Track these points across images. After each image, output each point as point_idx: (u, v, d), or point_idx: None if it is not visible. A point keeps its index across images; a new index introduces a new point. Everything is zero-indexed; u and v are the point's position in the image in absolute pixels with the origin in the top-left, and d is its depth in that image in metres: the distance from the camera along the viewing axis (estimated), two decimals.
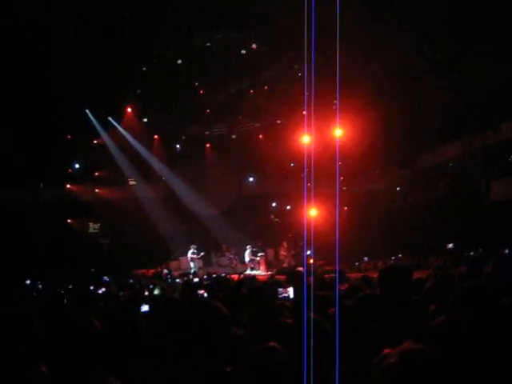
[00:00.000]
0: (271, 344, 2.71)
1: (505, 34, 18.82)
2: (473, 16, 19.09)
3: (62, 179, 26.43)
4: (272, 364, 2.58)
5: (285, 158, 25.75)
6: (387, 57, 22.20)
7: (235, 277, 17.80)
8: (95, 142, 27.07)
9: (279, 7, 18.98)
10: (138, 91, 25.78)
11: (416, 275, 5.37)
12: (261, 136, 28.68)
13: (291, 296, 6.58)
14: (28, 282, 18.19)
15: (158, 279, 20.00)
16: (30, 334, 3.62)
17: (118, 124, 26.78)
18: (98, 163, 27.41)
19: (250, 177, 29.71)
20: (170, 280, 20.22)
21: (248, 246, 24.39)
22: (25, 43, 19.27)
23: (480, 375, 2.90)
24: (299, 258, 23.75)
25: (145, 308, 6.51)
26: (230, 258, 25.33)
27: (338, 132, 20.53)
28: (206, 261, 25.41)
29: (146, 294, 11.23)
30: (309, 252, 16.79)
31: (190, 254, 23.92)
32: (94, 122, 26.14)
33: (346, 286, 6.21)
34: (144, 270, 22.99)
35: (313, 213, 19.16)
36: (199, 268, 23.67)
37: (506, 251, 14.47)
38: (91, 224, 27.23)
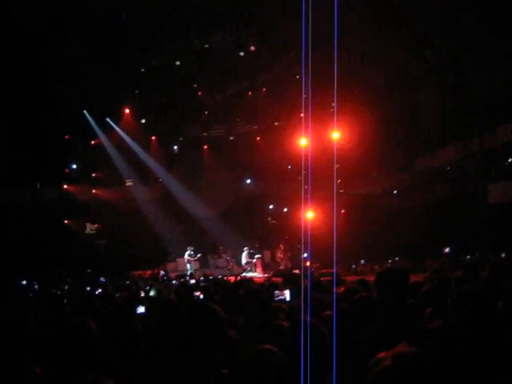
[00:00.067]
0: (267, 346, 2.71)
1: (503, 38, 18.86)
2: (470, 19, 19.14)
3: (59, 179, 26.39)
4: (268, 366, 2.58)
5: (282, 160, 25.74)
6: (385, 59, 22.24)
7: (232, 279, 17.79)
8: (93, 142, 27.05)
9: (277, 9, 19.01)
10: (136, 92, 25.77)
11: (413, 278, 5.37)
12: (258, 138, 28.68)
13: (288, 298, 6.57)
14: (24, 282, 18.15)
15: (155, 281, 19.97)
16: (26, 335, 3.62)
17: (116, 125, 26.76)
18: (96, 164, 27.39)
19: (248, 179, 29.70)
20: (166, 281, 20.20)
21: (245, 248, 24.38)
22: (23, 44, 19.25)
23: (476, 378, 2.90)
24: (296, 261, 23.73)
25: (141, 309, 6.50)
26: (227, 260, 25.30)
27: (336, 135, 20.54)
28: (202, 262, 25.37)
29: (143, 295, 11.22)
30: (305, 255, 16.80)
31: (186, 256, 23.89)
32: (92, 122, 26.12)
33: (343, 288, 6.21)
34: (141, 272, 22.96)
35: (310, 215, 19.15)
36: (196, 270, 23.64)
37: (503, 255, 14.50)
38: (88, 225, 27.19)
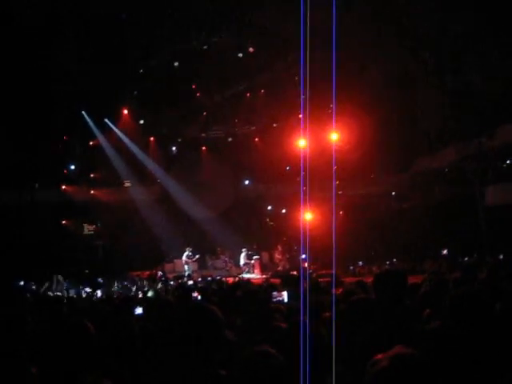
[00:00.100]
0: (265, 348, 2.71)
1: (503, 38, 18.89)
2: (470, 20, 19.16)
3: (58, 180, 26.32)
4: (266, 368, 2.58)
5: (281, 161, 25.76)
6: (384, 61, 22.25)
7: (230, 280, 17.81)
8: (91, 143, 26.99)
9: (276, 11, 19.02)
10: (135, 93, 25.76)
11: (411, 280, 5.37)
12: (257, 139, 28.68)
13: (286, 300, 6.58)
14: (22, 283, 18.13)
15: (153, 282, 19.96)
16: (23, 335, 3.61)
17: (114, 126, 26.72)
18: (94, 165, 27.33)
19: (246, 180, 29.70)
20: (162, 283, 20.19)
21: (243, 249, 24.38)
22: (22, 44, 19.24)
23: (474, 379, 2.90)
24: (294, 262, 23.74)
25: (139, 310, 6.49)
26: (225, 261, 25.30)
27: (334, 136, 20.56)
28: (200, 263, 25.36)
29: (141, 296, 11.21)
30: (304, 256, 16.81)
31: (184, 257, 23.88)
32: (90, 123, 26.07)
33: (341, 290, 6.22)
34: (139, 272, 22.94)
35: (308, 217, 19.17)
36: (194, 271, 23.63)
37: (501, 257, 14.51)
38: (86, 225, 27.14)
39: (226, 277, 20.67)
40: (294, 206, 23.79)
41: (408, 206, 26.31)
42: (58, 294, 16.61)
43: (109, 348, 3.74)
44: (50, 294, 16.55)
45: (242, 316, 5.21)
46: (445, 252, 20.77)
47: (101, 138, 26.64)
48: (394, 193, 28.00)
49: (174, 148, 29.57)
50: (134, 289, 17.75)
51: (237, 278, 19.89)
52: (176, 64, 24.04)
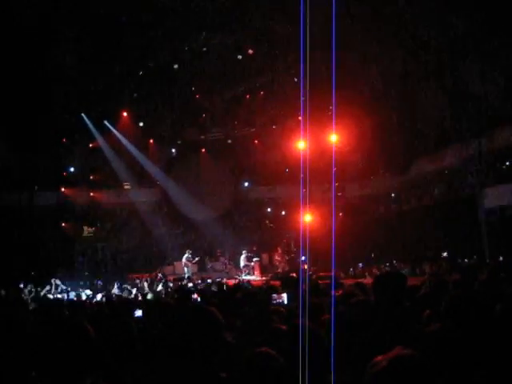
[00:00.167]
0: (266, 349, 2.70)
1: (500, 41, 18.90)
2: (469, 21, 19.18)
3: (57, 183, 26.33)
4: (266, 370, 2.57)
5: (280, 163, 25.76)
6: (384, 62, 22.27)
7: (230, 282, 17.79)
8: (91, 145, 27.01)
9: (276, 12, 19.04)
10: (135, 95, 25.77)
11: (411, 282, 5.37)
12: (256, 141, 28.69)
13: (285, 302, 6.56)
14: (22, 285, 18.11)
15: (153, 284, 19.95)
16: (23, 338, 3.60)
17: (114, 128, 26.74)
18: (94, 167, 27.34)
19: (246, 182, 29.70)
20: (162, 285, 20.18)
21: (244, 251, 24.37)
22: (21, 46, 19.24)
23: (474, 380, 2.90)
24: (293, 264, 23.72)
25: (138, 313, 6.48)
26: (225, 263, 25.29)
27: (334, 138, 20.55)
28: (200, 266, 25.34)
29: (140, 298, 11.20)
30: (303, 258, 16.79)
31: (184, 259, 23.86)
32: (90, 125, 26.09)
33: (341, 292, 6.21)
34: (138, 275, 22.92)
35: (308, 218, 19.16)
36: (193, 273, 23.61)
37: (501, 258, 14.52)
38: (86, 228, 27.13)
39: (226, 279, 20.66)
40: (293, 208, 23.79)
41: (408, 208, 26.30)
42: (58, 296, 16.61)
43: (108, 350, 3.73)
44: (50, 296, 16.55)
45: (241, 318, 5.20)
46: (445, 254, 20.75)
47: (100, 141, 26.65)
48: (393, 194, 27.99)
49: (173, 150, 29.58)
50: (133, 291, 17.73)
51: (237, 280, 19.87)
52: (175, 66, 24.07)
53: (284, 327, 3.62)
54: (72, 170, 27.45)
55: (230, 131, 28.79)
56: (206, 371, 2.92)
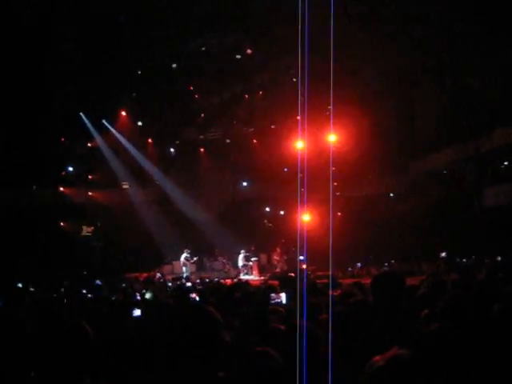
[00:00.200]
0: (264, 348, 2.71)
1: (499, 42, 18.92)
2: (468, 22, 19.20)
3: (56, 182, 26.33)
4: (265, 369, 2.57)
5: (279, 162, 25.75)
6: (382, 62, 22.28)
7: (228, 281, 17.79)
8: (89, 144, 27.00)
9: (274, 12, 19.03)
10: (133, 95, 25.76)
11: (409, 282, 5.37)
12: (255, 141, 28.70)
13: (284, 302, 6.57)
14: (20, 285, 18.07)
15: (151, 283, 19.93)
16: (21, 338, 3.60)
17: (113, 127, 26.73)
18: (92, 166, 27.33)
19: (244, 181, 29.70)
20: (160, 285, 20.16)
21: (242, 251, 24.36)
22: (20, 46, 19.22)
23: (472, 380, 2.90)
24: (292, 263, 23.72)
25: (137, 312, 6.48)
26: (223, 263, 25.28)
27: (332, 137, 20.55)
28: (199, 265, 25.34)
29: (138, 298, 11.19)
30: (302, 257, 16.79)
31: (182, 259, 23.85)
32: (89, 124, 26.07)
33: (339, 291, 6.22)
34: (137, 274, 22.89)
35: (306, 218, 19.17)
36: (192, 272, 23.60)
37: (499, 258, 14.53)
38: (84, 227, 27.10)
39: (224, 278, 20.66)
40: (292, 208, 23.79)
41: (406, 208, 26.31)
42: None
43: (107, 350, 3.73)
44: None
45: (239, 317, 5.21)
46: (443, 254, 20.76)
47: (99, 140, 26.64)
48: (392, 194, 28.03)
49: (172, 149, 29.57)
50: (132, 291, 17.70)
51: (235, 280, 19.86)
52: (174, 66, 24.06)
53: (282, 327, 3.63)
54: (70, 169, 27.44)
55: (229, 131, 28.79)
56: (205, 371, 2.92)
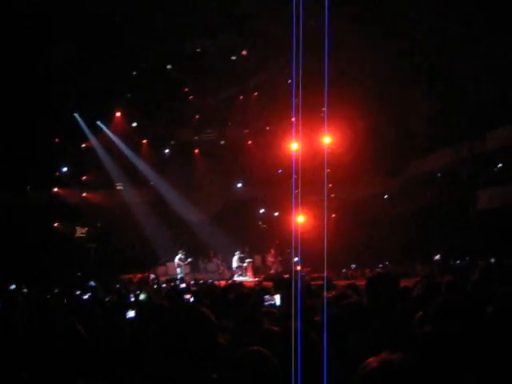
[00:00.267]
0: (258, 349, 2.70)
1: (494, 44, 18.99)
2: (461, 24, 19.25)
3: (49, 183, 26.24)
4: (259, 369, 2.57)
5: (273, 164, 25.77)
6: (376, 64, 22.33)
7: (222, 283, 17.77)
8: (83, 145, 26.93)
9: (269, 14, 19.06)
10: (128, 95, 25.71)
11: (403, 283, 5.38)
12: (250, 142, 28.71)
13: (278, 303, 6.56)
14: (13, 286, 18.00)
15: (145, 284, 19.89)
16: (14, 339, 3.59)
17: (107, 128, 26.67)
18: (86, 167, 27.26)
19: (239, 183, 29.69)
20: (156, 285, 20.13)
21: (237, 252, 24.36)
22: (14, 46, 19.17)
23: (465, 381, 2.91)
24: (286, 265, 23.73)
25: (131, 314, 6.46)
26: (218, 264, 25.26)
27: (327, 139, 20.58)
28: (193, 266, 25.32)
29: (132, 299, 11.17)
30: (296, 259, 16.80)
31: (177, 260, 23.83)
32: (83, 125, 26.01)
33: (333, 293, 6.22)
34: (131, 275, 22.85)
35: (300, 220, 19.18)
36: (186, 274, 23.57)
37: (492, 260, 14.56)
38: (78, 228, 27.02)
39: (219, 280, 20.64)
40: (286, 209, 23.80)
41: (400, 209, 26.37)
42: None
43: (101, 351, 3.72)
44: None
45: (233, 319, 5.20)
46: (437, 257, 20.79)
47: (93, 141, 26.58)
48: (386, 196, 28.07)
49: (166, 151, 29.54)
50: (126, 292, 17.66)
51: (229, 281, 19.85)
52: (169, 67, 24.04)
53: (276, 328, 3.62)
54: (64, 170, 27.37)
55: (224, 132, 28.79)
56: (199, 373, 2.92)
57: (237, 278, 22.60)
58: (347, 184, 26.03)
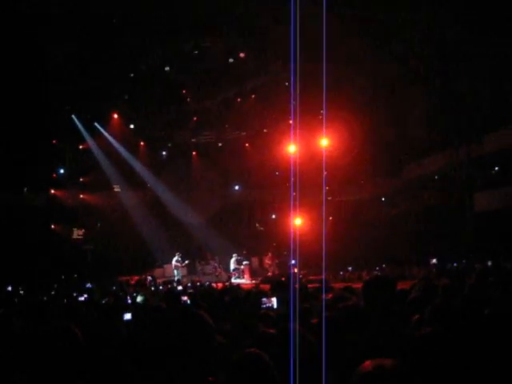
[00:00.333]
0: (255, 350, 2.70)
1: (490, 48, 19.02)
2: (458, 28, 19.29)
3: (47, 184, 26.21)
4: (256, 370, 2.57)
5: (271, 166, 25.79)
6: (374, 68, 22.35)
7: (220, 285, 17.76)
8: (81, 147, 26.91)
9: (267, 16, 19.07)
10: (126, 97, 25.69)
11: (400, 286, 5.38)
12: (247, 144, 28.73)
13: (275, 306, 6.56)
14: (10, 288, 17.97)
15: (142, 286, 19.87)
16: (11, 341, 3.58)
17: (104, 129, 26.65)
18: (84, 169, 27.23)
19: (236, 185, 29.70)
20: (153, 287, 20.11)
21: (234, 255, 24.36)
22: (12, 47, 19.15)
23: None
24: (283, 267, 23.73)
25: (127, 316, 6.45)
26: (215, 267, 25.22)
27: (324, 142, 20.60)
28: (190, 269, 25.29)
29: (129, 301, 11.15)
30: (293, 261, 16.81)
31: (174, 262, 23.80)
32: (80, 127, 26.00)
33: (330, 295, 6.21)
34: (128, 277, 22.83)
35: (298, 222, 19.19)
36: (183, 276, 23.56)
37: (489, 263, 14.58)
38: (75, 230, 26.99)
39: (216, 282, 20.62)
40: (283, 212, 23.82)
41: (397, 212, 26.40)
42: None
43: (97, 353, 3.71)
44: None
45: (230, 321, 5.20)
46: (434, 261, 20.81)
47: (90, 142, 26.56)
48: (383, 198, 28.10)
49: (164, 153, 29.55)
50: (123, 294, 17.64)
51: (226, 284, 19.85)
52: (167, 68, 24.03)
53: (272, 331, 3.62)
54: (62, 171, 27.35)
55: (221, 134, 28.81)
56: (196, 375, 2.91)
57: (234, 281, 22.58)
58: (344, 186, 26.06)
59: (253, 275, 24.18)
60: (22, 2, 18.30)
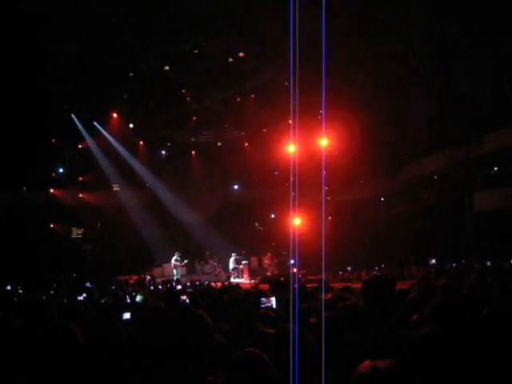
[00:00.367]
0: (253, 350, 2.70)
1: (489, 48, 19.04)
2: (458, 28, 19.30)
3: (46, 183, 26.21)
4: (255, 370, 2.57)
5: (270, 166, 25.79)
6: (373, 68, 22.37)
7: (219, 284, 17.76)
8: (80, 146, 26.91)
9: (267, 16, 19.07)
10: (125, 96, 25.69)
11: (399, 286, 5.39)
12: (246, 144, 28.73)
13: (274, 306, 6.55)
14: (9, 287, 17.97)
15: (141, 286, 19.86)
16: (10, 340, 3.58)
17: (104, 129, 26.65)
18: (83, 168, 27.22)
19: (235, 184, 29.71)
20: (152, 287, 20.10)
21: (233, 254, 24.37)
22: (11, 47, 19.14)
23: None
24: (283, 267, 23.74)
25: (127, 315, 6.44)
26: (214, 266, 25.23)
27: (324, 142, 20.59)
28: (189, 268, 25.29)
29: (128, 300, 11.14)
30: (292, 261, 16.80)
31: (173, 261, 23.80)
32: (80, 126, 25.99)
33: (330, 295, 6.21)
34: (127, 277, 22.82)
35: (297, 222, 19.17)
36: (182, 275, 23.56)
37: (488, 263, 14.59)
38: (74, 229, 27.00)
39: (215, 282, 20.63)
40: (282, 211, 23.82)
41: (397, 212, 26.41)
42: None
43: (96, 353, 3.71)
44: None
45: (229, 321, 5.19)
46: (433, 261, 20.81)
47: (90, 142, 26.56)
48: (382, 198, 28.10)
49: (163, 152, 29.54)
50: (122, 293, 17.63)
51: (226, 283, 19.85)
52: (166, 68, 24.02)
53: (271, 331, 3.62)
54: (61, 170, 27.35)
55: (221, 134, 28.82)
56: (195, 375, 2.91)
57: (233, 280, 22.59)
58: (344, 186, 26.06)
59: (252, 275, 24.18)
60: (22, 2, 18.29)
